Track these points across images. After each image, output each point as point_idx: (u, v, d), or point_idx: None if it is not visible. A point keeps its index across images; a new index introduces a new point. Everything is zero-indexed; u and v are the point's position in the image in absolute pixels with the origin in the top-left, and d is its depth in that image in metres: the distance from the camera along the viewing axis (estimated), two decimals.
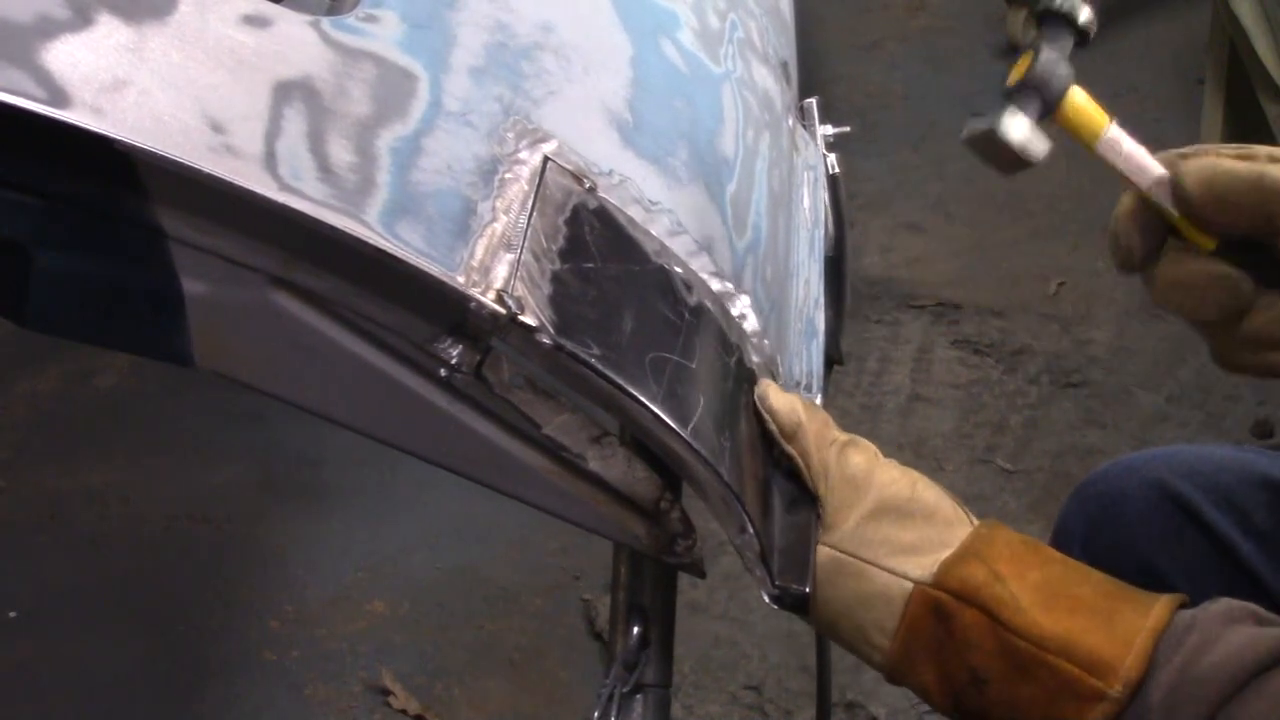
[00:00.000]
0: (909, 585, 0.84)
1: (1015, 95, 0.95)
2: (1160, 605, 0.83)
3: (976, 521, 0.88)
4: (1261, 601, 0.85)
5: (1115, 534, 1.17)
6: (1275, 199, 0.89)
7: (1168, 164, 0.94)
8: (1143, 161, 0.94)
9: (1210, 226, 0.92)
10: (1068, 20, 0.96)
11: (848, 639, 0.86)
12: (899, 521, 0.86)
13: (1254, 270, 0.92)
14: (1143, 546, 1.16)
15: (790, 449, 0.88)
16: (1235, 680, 0.78)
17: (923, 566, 0.84)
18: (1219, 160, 0.92)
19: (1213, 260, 0.92)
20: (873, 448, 0.90)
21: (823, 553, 0.85)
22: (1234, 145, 0.95)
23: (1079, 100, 0.95)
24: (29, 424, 2.55)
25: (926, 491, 0.88)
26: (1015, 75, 0.96)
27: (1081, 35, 0.96)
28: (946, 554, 0.84)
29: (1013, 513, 2.31)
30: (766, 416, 0.88)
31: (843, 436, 0.90)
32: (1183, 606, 0.84)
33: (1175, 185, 0.92)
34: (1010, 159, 0.95)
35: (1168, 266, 0.94)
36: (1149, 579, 1.14)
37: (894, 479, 0.89)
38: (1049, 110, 0.95)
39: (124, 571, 2.26)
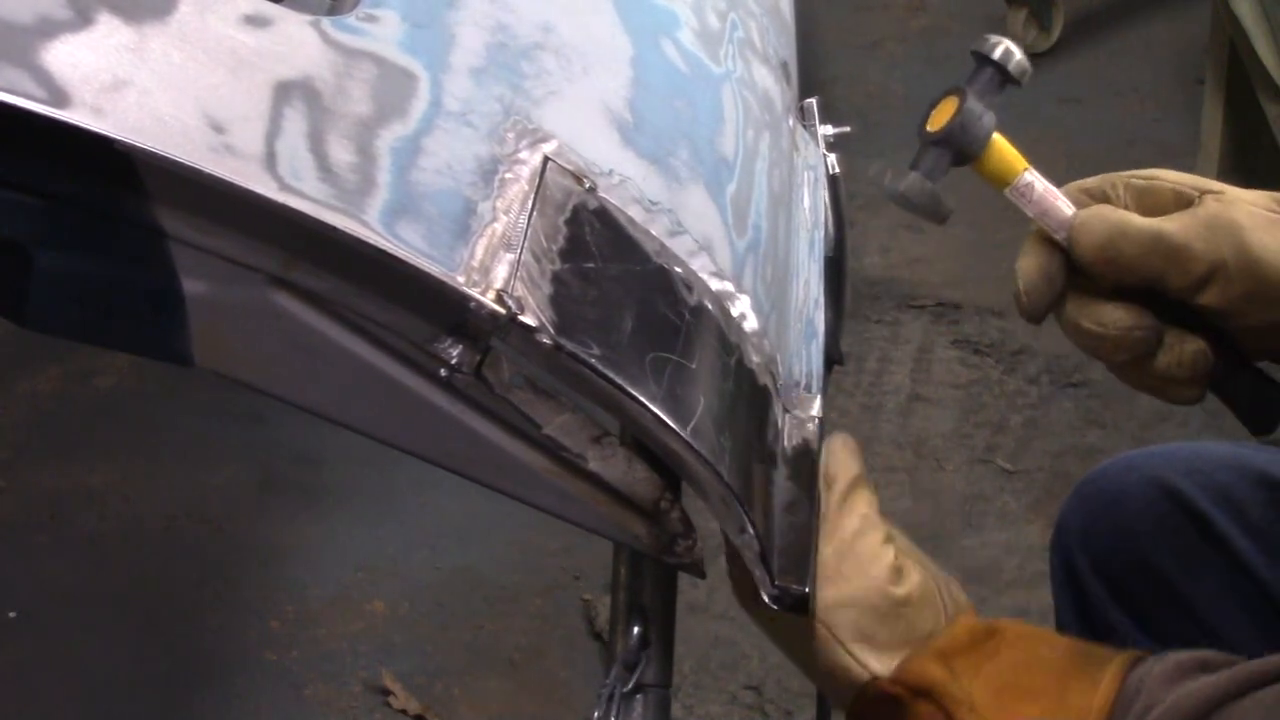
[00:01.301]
0: (865, 675, 0.86)
1: (934, 146, 0.96)
2: (1108, 679, 0.83)
3: (956, 597, 0.90)
4: (1257, 598, 0.86)
5: (1114, 531, 1.18)
6: (1166, 262, 0.90)
7: (1065, 224, 0.94)
8: (1051, 207, 0.95)
9: (1105, 282, 0.93)
10: (997, 67, 0.96)
11: (802, 665, 0.90)
12: (876, 619, 0.87)
13: (1156, 309, 0.93)
14: (1141, 544, 1.16)
15: (823, 493, 0.90)
16: None
17: (885, 663, 0.86)
18: (1114, 221, 0.92)
19: (1116, 308, 0.93)
20: (883, 534, 0.92)
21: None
22: (1143, 177, 0.95)
23: (998, 150, 0.96)
24: (29, 424, 2.55)
25: (909, 586, 0.89)
26: (938, 120, 0.96)
27: (1011, 81, 0.97)
28: (909, 651, 0.86)
29: (1013, 513, 2.31)
30: (823, 459, 0.91)
31: (867, 514, 0.92)
32: (1139, 660, 0.84)
33: (1069, 247, 0.93)
34: (915, 214, 0.98)
35: (1074, 313, 0.95)
36: (1148, 575, 1.14)
37: (883, 574, 0.89)
38: (967, 160, 0.96)
39: (124, 571, 2.26)
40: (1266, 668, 0.80)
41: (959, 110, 0.95)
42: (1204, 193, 0.92)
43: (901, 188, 0.96)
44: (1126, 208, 0.94)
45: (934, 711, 0.84)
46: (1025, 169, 0.96)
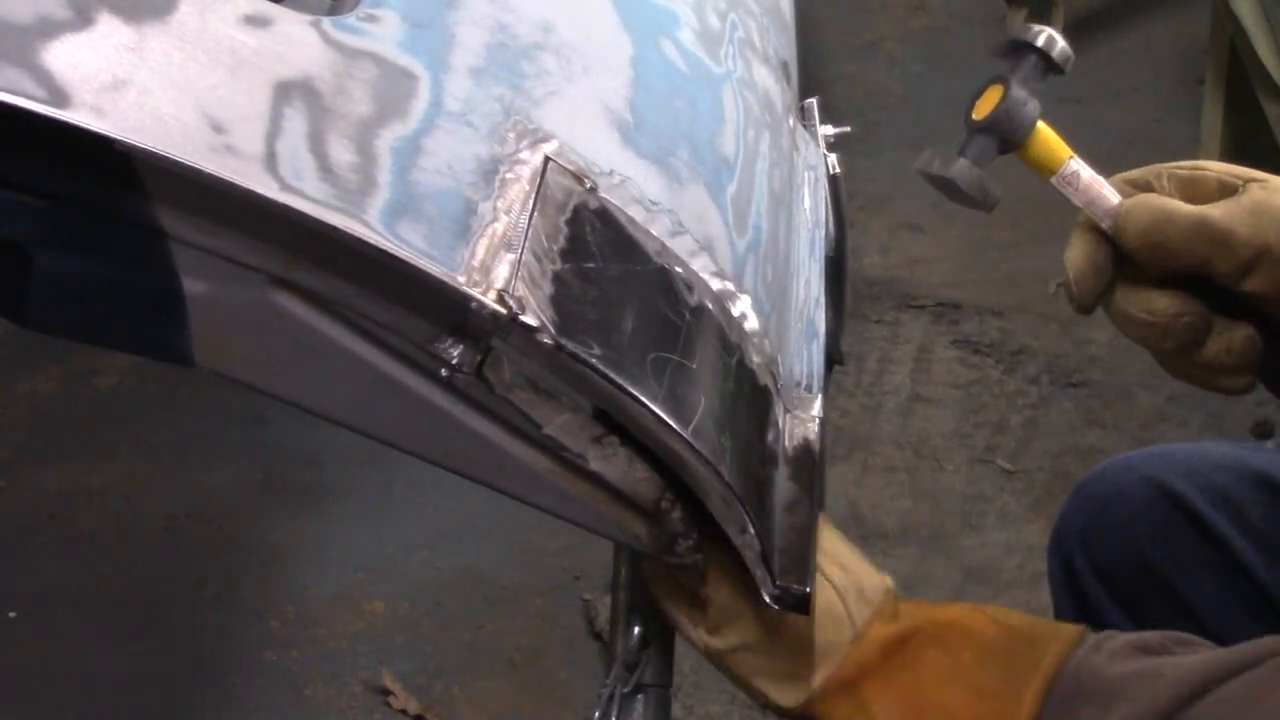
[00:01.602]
0: (780, 706, 0.88)
1: (980, 134, 0.96)
2: (1031, 693, 0.83)
3: (869, 597, 0.89)
4: (1255, 598, 0.86)
5: (1113, 532, 1.18)
6: (1212, 246, 0.90)
7: (1111, 212, 0.95)
8: (1098, 195, 0.95)
9: (1151, 269, 0.93)
10: (1041, 54, 0.96)
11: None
12: (767, 656, 0.88)
13: (1204, 297, 0.93)
14: (1140, 544, 1.16)
15: None
16: None
17: (793, 695, 0.88)
18: (1159, 207, 0.92)
19: (1164, 295, 0.93)
20: None
21: (704, 647, 0.89)
22: (1187, 167, 0.95)
23: (1042, 138, 0.96)
24: (29, 424, 2.54)
25: (821, 614, 0.88)
26: (984, 108, 0.97)
27: (1055, 69, 0.97)
28: (816, 681, 0.87)
29: (1013, 513, 2.31)
30: None
31: None
32: (1072, 648, 0.84)
33: (1115, 234, 0.94)
34: (961, 201, 0.98)
35: (1123, 302, 0.95)
36: (1147, 576, 1.14)
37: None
38: (1013, 148, 0.97)
39: (124, 571, 2.25)
40: (1238, 657, 0.81)
41: (1004, 98, 0.95)
42: (1248, 181, 0.93)
43: (950, 174, 0.97)
44: (1171, 197, 0.95)
45: None
46: (1071, 157, 0.97)
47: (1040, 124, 0.96)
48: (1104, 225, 0.95)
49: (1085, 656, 0.84)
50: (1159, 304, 0.93)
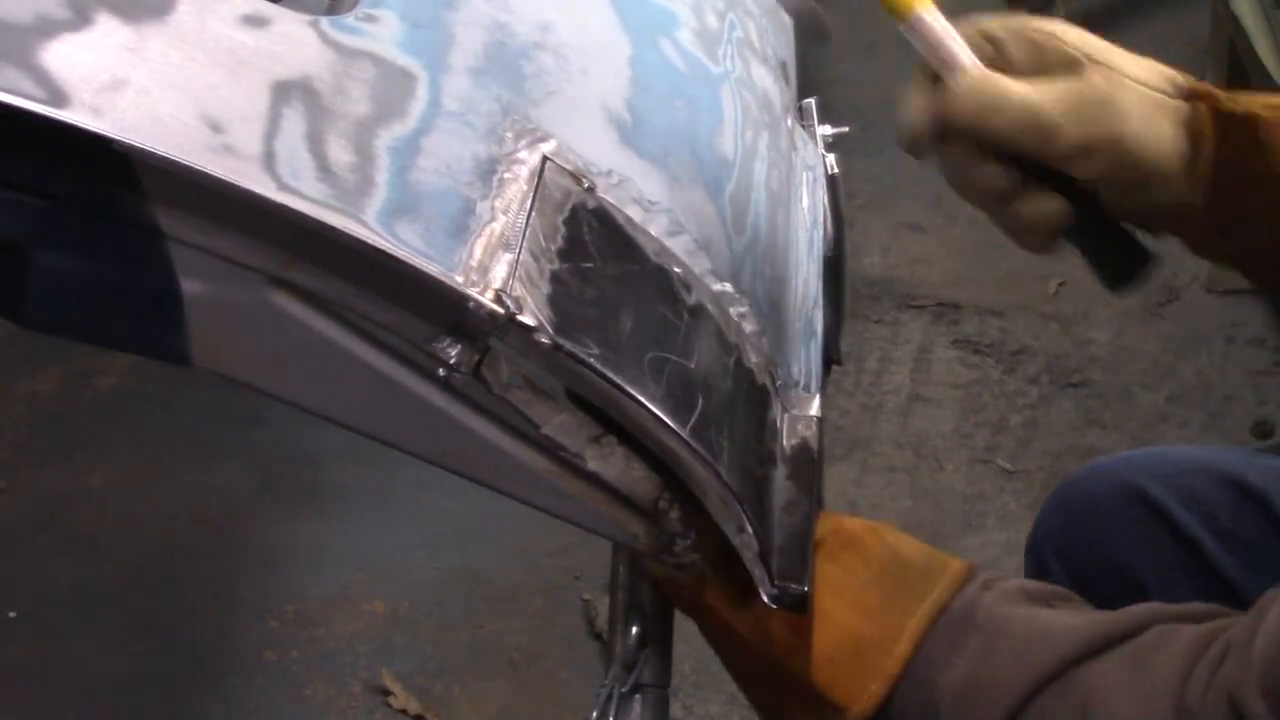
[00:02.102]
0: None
1: None
2: (916, 621, 0.84)
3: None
4: (1229, 601, 0.87)
5: (1089, 537, 1.18)
6: (1037, 138, 0.91)
7: (954, 69, 0.95)
8: (942, 49, 0.95)
9: (980, 144, 0.94)
10: None
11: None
12: None
13: (1027, 163, 0.94)
14: (1115, 548, 1.16)
15: None
16: (1032, 684, 0.80)
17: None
18: (988, 94, 0.92)
19: (985, 162, 0.94)
20: None
21: None
22: (1043, 33, 0.95)
23: None
24: (29, 424, 2.54)
25: None
26: None
27: None
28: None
29: (1013, 513, 2.31)
30: None
31: None
32: (965, 582, 0.86)
33: (948, 109, 0.94)
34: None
35: (947, 157, 0.97)
36: (1122, 580, 1.15)
37: None
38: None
39: (124, 571, 2.25)
40: (1119, 624, 0.82)
41: None
42: (1095, 63, 0.93)
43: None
44: (1017, 61, 0.95)
45: None
46: (925, 8, 0.96)
47: None
48: (946, 79, 0.95)
49: (976, 593, 0.85)
50: (978, 170, 0.95)
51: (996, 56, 0.96)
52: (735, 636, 0.87)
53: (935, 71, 0.95)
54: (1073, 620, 0.84)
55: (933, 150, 0.97)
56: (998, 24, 0.97)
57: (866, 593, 0.86)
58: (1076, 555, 1.18)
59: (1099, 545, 1.17)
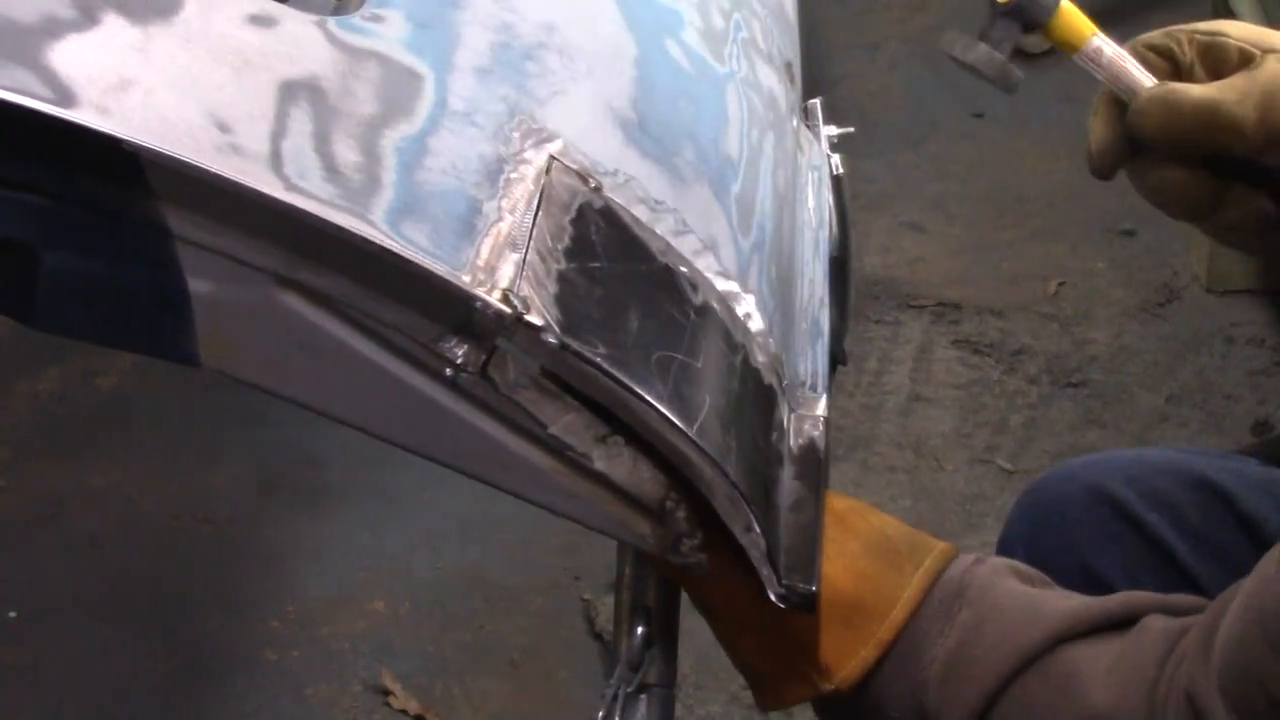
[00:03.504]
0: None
1: (1003, 17, 0.99)
2: (914, 587, 0.85)
3: None
4: None
5: (1057, 539, 1.19)
6: (1225, 134, 0.92)
7: (1132, 90, 0.97)
8: (1120, 71, 0.98)
9: (1171, 152, 0.96)
10: None
11: None
12: None
13: (1222, 167, 0.95)
14: (1083, 550, 1.17)
15: None
16: (1018, 660, 0.81)
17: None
18: (1172, 103, 0.94)
19: (1177, 170, 0.96)
20: None
21: None
22: (1207, 31, 0.98)
23: (1066, 16, 0.99)
24: (29, 424, 2.54)
25: None
26: None
27: None
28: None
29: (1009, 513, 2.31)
30: None
31: None
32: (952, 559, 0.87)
33: (1132, 126, 0.96)
34: (990, 83, 1.01)
35: (1139, 173, 0.98)
36: (1091, 582, 1.15)
37: None
38: (1037, 28, 0.98)
39: (124, 571, 2.25)
40: (1103, 610, 0.83)
41: None
42: (1267, 51, 0.94)
43: (970, 58, 1.00)
44: (1191, 65, 0.97)
45: None
46: (1094, 34, 0.99)
47: (1064, 2, 0.98)
48: (1127, 100, 0.97)
49: (968, 566, 0.87)
50: (1171, 179, 0.96)
51: (1171, 69, 0.98)
52: (728, 597, 0.87)
53: (1114, 95, 0.98)
54: (1063, 600, 0.85)
55: (1122, 165, 0.99)
56: (1160, 35, 0.99)
57: (859, 562, 0.87)
58: (1045, 556, 1.18)
59: (1067, 546, 1.18)
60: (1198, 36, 0.98)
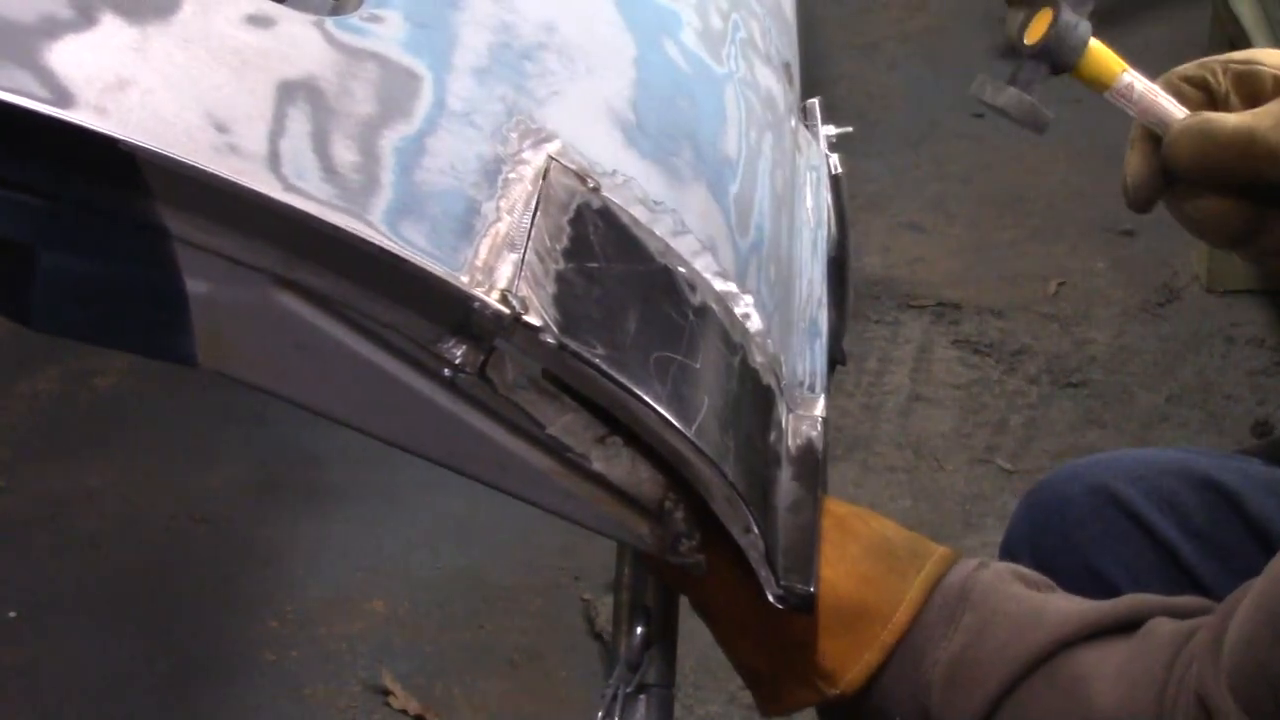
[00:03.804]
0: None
1: (1031, 59, 0.99)
2: (916, 590, 0.85)
3: None
4: None
5: (1061, 539, 1.18)
6: (1261, 161, 0.93)
7: (1165, 123, 0.98)
8: (1153, 105, 0.98)
9: (1208, 182, 0.96)
10: None
11: None
12: None
13: (1259, 194, 0.96)
14: (1087, 551, 1.17)
15: None
16: (1023, 665, 0.81)
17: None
18: (1207, 132, 0.95)
19: (1214, 200, 0.96)
20: None
21: None
22: (1242, 60, 0.98)
23: (1094, 56, 0.99)
24: (29, 424, 2.54)
25: None
26: (1034, 33, 0.99)
27: None
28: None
29: (1012, 513, 2.31)
30: None
31: None
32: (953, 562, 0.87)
33: (1167, 157, 0.97)
34: (1021, 125, 1.01)
35: (1176, 204, 0.99)
36: (1095, 583, 1.15)
37: None
38: (1066, 69, 0.99)
39: (124, 571, 2.25)
40: (1109, 613, 0.83)
41: (1054, 21, 0.98)
42: None
43: (1000, 101, 1.00)
44: (1226, 94, 0.98)
45: None
46: (1123, 70, 0.99)
47: (1092, 42, 0.99)
48: (1161, 134, 0.98)
49: (971, 570, 0.86)
50: (1208, 208, 0.97)
51: (1205, 99, 0.98)
52: (731, 602, 0.87)
53: (1147, 129, 0.99)
54: (1067, 604, 0.85)
55: (1159, 197, 1.00)
56: (1194, 66, 1.00)
57: (861, 565, 0.87)
58: (1049, 556, 1.18)
59: (1072, 547, 1.17)
60: (1232, 66, 0.98)
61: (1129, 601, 0.85)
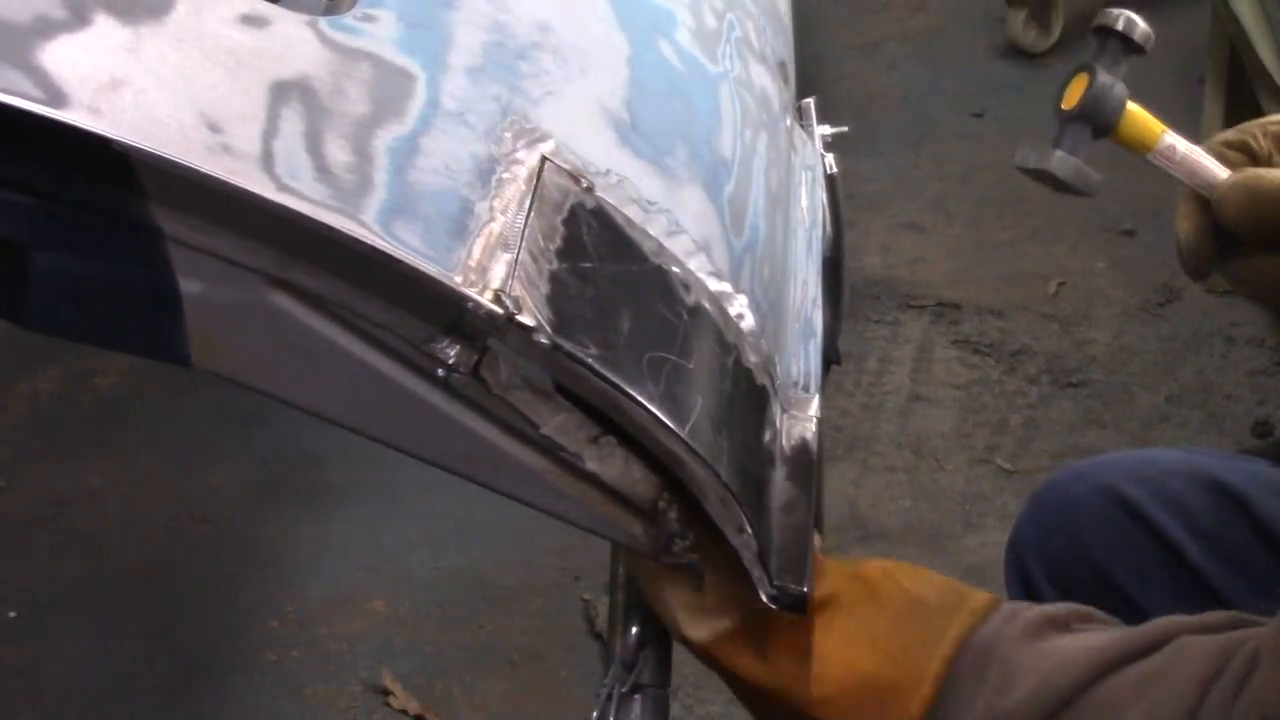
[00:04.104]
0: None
1: (1071, 123, 0.99)
2: (947, 641, 0.84)
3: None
4: (1210, 603, 0.86)
5: (1067, 540, 1.18)
6: None
7: (1210, 184, 0.98)
8: (1196, 165, 0.98)
9: (1258, 239, 0.96)
10: (1122, 37, 0.99)
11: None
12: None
13: None
14: (1094, 552, 1.16)
15: None
16: (1051, 708, 0.80)
17: (704, 631, 0.87)
18: (1254, 188, 0.95)
19: (1270, 259, 0.96)
20: None
21: None
22: (1275, 119, 0.99)
23: (1133, 118, 0.99)
24: (29, 424, 2.54)
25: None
26: (1072, 98, 0.99)
27: (1137, 50, 0.99)
28: (725, 624, 0.86)
29: (1012, 513, 2.28)
30: None
31: None
32: (987, 613, 0.85)
33: (1217, 215, 0.97)
34: (1063, 190, 1.00)
35: (1230, 266, 0.99)
36: (1102, 584, 1.15)
37: None
38: (1106, 132, 0.99)
39: (124, 571, 2.25)
40: (1137, 640, 0.81)
41: (1090, 85, 0.99)
42: None
43: (1049, 167, 0.99)
44: (1269, 155, 0.98)
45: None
46: (1164, 132, 1.00)
47: (1130, 105, 0.99)
48: (1208, 195, 0.98)
49: (1000, 627, 0.85)
50: (1263, 267, 0.97)
51: (1248, 161, 0.99)
52: (761, 688, 0.87)
53: (1194, 192, 0.99)
54: (1091, 641, 0.83)
55: (1215, 263, 0.99)
56: (1234, 132, 1.00)
57: (886, 638, 0.85)
58: (1056, 557, 1.18)
59: (1079, 547, 1.17)
60: (1270, 128, 0.99)
61: (1157, 625, 0.83)
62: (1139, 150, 1.00)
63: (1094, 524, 1.17)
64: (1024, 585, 1.20)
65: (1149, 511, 1.15)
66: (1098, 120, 0.99)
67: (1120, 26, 1.00)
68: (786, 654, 0.85)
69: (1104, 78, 0.98)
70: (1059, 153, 0.99)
